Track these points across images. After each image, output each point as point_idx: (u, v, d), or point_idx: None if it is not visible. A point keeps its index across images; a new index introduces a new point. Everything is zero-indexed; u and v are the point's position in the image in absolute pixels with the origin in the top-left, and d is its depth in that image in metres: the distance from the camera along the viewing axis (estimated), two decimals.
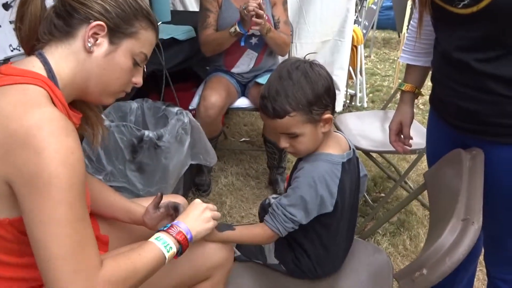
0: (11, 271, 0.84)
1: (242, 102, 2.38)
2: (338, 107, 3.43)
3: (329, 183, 1.09)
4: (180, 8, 3.31)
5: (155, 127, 1.95)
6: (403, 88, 1.37)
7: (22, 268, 0.84)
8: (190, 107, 2.29)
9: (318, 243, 1.18)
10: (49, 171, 0.69)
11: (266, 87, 1.06)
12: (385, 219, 1.80)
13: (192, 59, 2.43)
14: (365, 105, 3.69)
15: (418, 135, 1.70)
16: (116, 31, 0.86)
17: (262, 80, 2.25)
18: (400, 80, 1.40)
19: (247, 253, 1.29)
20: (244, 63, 2.31)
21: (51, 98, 0.79)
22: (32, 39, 0.86)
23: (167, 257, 0.88)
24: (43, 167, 0.69)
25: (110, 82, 0.89)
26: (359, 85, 3.64)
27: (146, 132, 1.67)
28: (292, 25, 2.75)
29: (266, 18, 2.06)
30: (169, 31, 2.30)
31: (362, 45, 3.50)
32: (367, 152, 2.13)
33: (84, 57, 0.85)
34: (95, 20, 0.83)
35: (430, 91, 1.23)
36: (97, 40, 0.85)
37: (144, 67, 0.97)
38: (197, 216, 0.99)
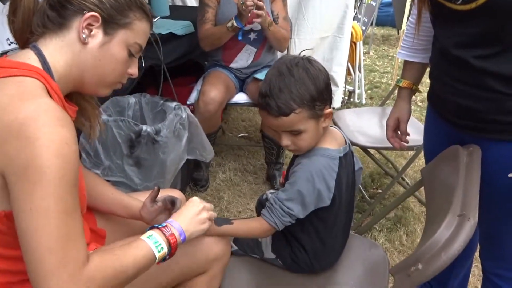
0: (6, 264, 0.84)
1: (241, 97, 2.38)
2: (337, 103, 3.44)
3: (327, 177, 1.09)
4: (179, 3, 3.30)
5: (153, 122, 1.95)
6: (400, 85, 1.38)
7: (18, 261, 0.83)
8: (188, 102, 2.29)
9: (315, 237, 1.19)
10: (41, 161, 0.69)
11: (266, 85, 1.05)
12: (382, 215, 1.81)
13: (191, 54, 2.43)
14: (364, 101, 3.70)
15: (416, 132, 1.71)
16: (111, 22, 0.85)
17: (261, 75, 2.25)
18: (398, 77, 1.40)
19: (244, 247, 1.29)
20: (243, 59, 2.31)
21: (47, 90, 0.78)
22: (25, 32, 0.85)
23: (157, 257, 0.86)
24: (35, 156, 0.69)
25: (106, 73, 0.89)
26: (358, 82, 3.64)
27: (144, 127, 1.67)
28: (291, 21, 2.74)
29: (266, 12, 2.05)
30: (167, 26, 2.29)
31: (361, 42, 3.50)
32: (364, 148, 2.14)
33: (79, 48, 0.84)
34: (89, 11, 0.83)
35: (428, 88, 1.23)
36: (91, 31, 0.84)
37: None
38: (193, 217, 0.97)
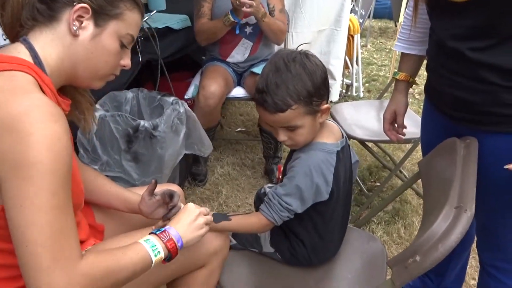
0: (3, 258, 0.83)
1: (238, 91, 2.37)
2: (334, 96, 3.43)
3: (325, 171, 1.09)
4: None
5: (151, 117, 1.94)
6: (397, 77, 1.38)
7: (12, 255, 0.83)
8: (185, 97, 2.29)
9: (313, 231, 1.19)
10: (33, 156, 0.68)
11: (263, 81, 1.04)
12: (380, 208, 1.82)
13: (188, 48, 2.42)
14: (361, 94, 3.69)
15: (413, 125, 1.71)
16: (101, 13, 0.84)
17: (258, 69, 2.24)
18: (396, 70, 1.40)
19: (243, 241, 1.30)
20: (239, 53, 2.30)
21: (39, 85, 0.78)
22: (15, 26, 0.84)
23: (153, 261, 0.86)
24: (28, 152, 0.68)
25: (99, 65, 0.88)
26: (355, 75, 3.63)
27: (142, 122, 1.67)
28: (288, 14, 2.73)
29: (259, 3, 2.04)
30: (164, 20, 2.27)
31: (359, 35, 3.49)
32: (362, 142, 2.14)
33: (70, 41, 0.83)
34: (78, 3, 0.82)
35: (425, 81, 1.23)
36: (82, 23, 0.83)
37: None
38: (190, 223, 0.97)
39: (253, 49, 2.30)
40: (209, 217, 1.03)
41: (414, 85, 1.41)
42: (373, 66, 4.60)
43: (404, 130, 1.45)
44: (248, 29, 2.23)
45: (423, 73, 1.21)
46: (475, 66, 0.99)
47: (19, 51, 0.80)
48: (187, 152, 1.90)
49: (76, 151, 1.67)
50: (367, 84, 4.01)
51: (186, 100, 2.12)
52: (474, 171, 0.99)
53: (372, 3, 4.49)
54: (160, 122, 1.70)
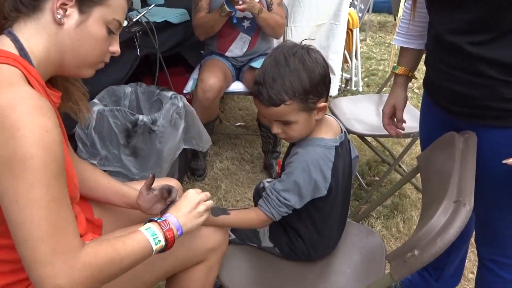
0: (4, 254, 0.84)
1: (237, 86, 2.37)
2: (333, 91, 3.43)
3: (323, 167, 1.09)
4: None
5: (149, 112, 1.94)
6: (396, 71, 1.37)
7: (14, 250, 0.84)
8: (184, 91, 2.28)
9: (312, 226, 1.19)
10: (23, 152, 0.68)
11: (262, 73, 1.04)
12: (379, 202, 1.82)
13: (186, 42, 2.41)
14: (360, 89, 3.69)
15: (412, 119, 1.70)
16: (85, 0, 0.83)
17: (257, 64, 2.24)
18: (395, 64, 1.40)
19: (242, 236, 1.30)
20: (238, 47, 2.29)
21: (26, 77, 0.76)
22: None
23: (154, 249, 0.86)
24: (17, 148, 0.68)
25: (87, 53, 0.86)
26: (355, 69, 3.63)
27: (140, 117, 1.67)
28: (287, 8, 2.71)
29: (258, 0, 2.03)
30: (162, 14, 2.26)
31: (358, 29, 3.47)
32: (361, 136, 2.14)
33: (55, 30, 0.82)
34: None
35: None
36: (66, 11, 0.81)
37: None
38: (190, 211, 0.96)
39: (251, 43, 2.29)
40: (210, 203, 1.02)
41: (413, 80, 1.41)
42: (372, 61, 4.59)
43: (404, 124, 1.44)
44: (246, 23, 2.22)
45: (422, 67, 1.21)
46: (474, 60, 0.99)
47: (4, 43, 0.79)
48: (185, 147, 1.90)
49: (74, 145, 1.66)
50: (366, 79, 4.00)
51: (185, 95, 2.12)
52: (473, 165, 0.99)
53: None
54: (159, 116, 1.70)
